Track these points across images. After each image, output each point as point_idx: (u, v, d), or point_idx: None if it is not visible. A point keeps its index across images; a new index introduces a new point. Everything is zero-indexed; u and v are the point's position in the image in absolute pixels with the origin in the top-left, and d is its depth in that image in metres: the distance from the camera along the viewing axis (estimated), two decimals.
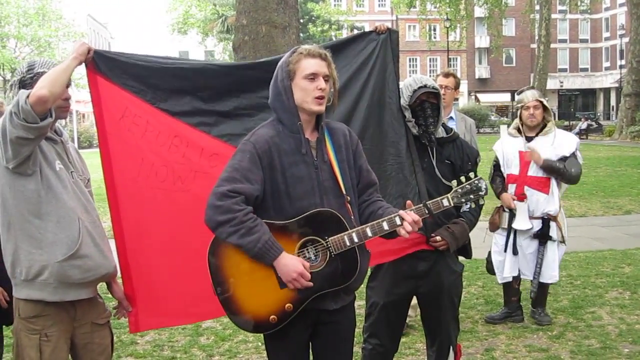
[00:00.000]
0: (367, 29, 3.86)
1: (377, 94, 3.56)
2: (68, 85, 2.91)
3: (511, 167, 5.19)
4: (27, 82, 2.87)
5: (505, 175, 5.24)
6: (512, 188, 5.15)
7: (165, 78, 3.23)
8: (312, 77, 2.68)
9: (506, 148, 5.26)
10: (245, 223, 2.56)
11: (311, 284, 2.63)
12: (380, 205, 2.85)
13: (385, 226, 2.71)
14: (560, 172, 5.03)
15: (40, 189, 2.76)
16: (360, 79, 3.54)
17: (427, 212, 2.80)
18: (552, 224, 5.11)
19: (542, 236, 5.11)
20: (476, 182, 2.96)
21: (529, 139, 5.15)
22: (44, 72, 2.85)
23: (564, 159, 5.06)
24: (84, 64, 3.07)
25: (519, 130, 5.22)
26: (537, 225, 5.13)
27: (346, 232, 2.67)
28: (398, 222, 2.70)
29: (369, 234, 2.70)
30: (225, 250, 2.65)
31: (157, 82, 3.22)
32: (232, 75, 3.37)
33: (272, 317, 2.66)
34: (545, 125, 5.16)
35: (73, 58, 2.94)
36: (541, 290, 5.33)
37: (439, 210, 2.88)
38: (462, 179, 2.97)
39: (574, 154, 5.09)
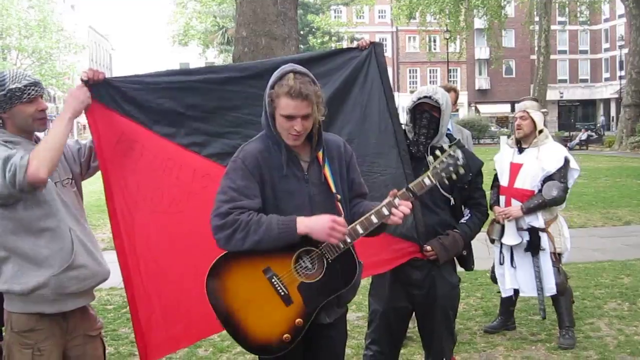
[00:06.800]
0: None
1: (362, 107, 3.55)
2: (41, 95, 2.85)
3: (502, 178, 5.19)
4: None
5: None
6: (502, 199, 5.14)
7: (156, 100, 3.25)
8: (289, 118, 2.61)
9: (502, 158, 5.28)
10: (251, 221, 2.55)
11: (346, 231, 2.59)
12: (360, 205, 2.84)
13: (374, 219, 2.67)
14: (542, 205, 4.92)
15: (28, 208, 2.75)
16: (343, 93, 3.53)
17: (411, 195, 2.74)
18: (543, 235, 5.00)
19: (533, 248, 5.02)
20: (451, 152, 2.79)
21: (522, 150, 5.15)
22: (16, 87, 2.75)
23: (549, 175, 4.92)
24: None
25: (516, 142, 5.24)
26: (527, 237, 5.02)
27: None
28: (386, 212, 2.66)
29: (360, 230, 2.67)
30: (222, 283, 2.64)
31: (149, 104, 3.24)
32: (216, 92, 3.36)
33: (285, 335, 2.64)
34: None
35: (69, 119, 2.87)
36: (556, 305, 5.17)
37: (423, 191, 2.78)
38: (437, 152, 2.83)
39: (561, 169, 4.95)
